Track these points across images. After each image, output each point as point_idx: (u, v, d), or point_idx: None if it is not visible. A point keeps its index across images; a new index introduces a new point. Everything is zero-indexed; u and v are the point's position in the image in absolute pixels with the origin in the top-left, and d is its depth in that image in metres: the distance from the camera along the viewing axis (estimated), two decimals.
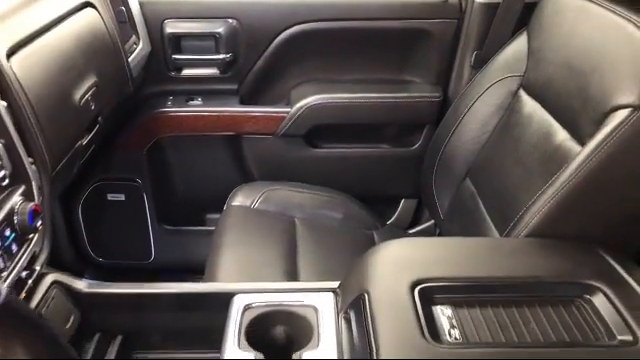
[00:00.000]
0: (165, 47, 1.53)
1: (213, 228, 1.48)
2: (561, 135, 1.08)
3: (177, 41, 1.55)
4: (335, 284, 0.95)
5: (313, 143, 1.64)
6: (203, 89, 1.60)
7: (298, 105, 1.56)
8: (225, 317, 0.90)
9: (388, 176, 1.68)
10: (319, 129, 1.61)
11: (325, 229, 1.44)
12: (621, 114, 0.91)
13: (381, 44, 1.58)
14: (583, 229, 0.95)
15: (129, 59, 1.39)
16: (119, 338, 1.03)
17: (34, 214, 0.80)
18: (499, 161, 1.26)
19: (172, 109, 1.57)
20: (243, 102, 1.61)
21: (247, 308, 0.91)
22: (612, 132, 0.91)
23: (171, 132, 1.59)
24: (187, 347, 1.00)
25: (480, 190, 1.30)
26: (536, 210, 0.96)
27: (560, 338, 0.75)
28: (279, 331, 0.91)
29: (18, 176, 0.81)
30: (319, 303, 0.92)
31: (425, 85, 1.60)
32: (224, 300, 0.93)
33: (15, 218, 0.78)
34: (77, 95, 1.10)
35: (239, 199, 1.47)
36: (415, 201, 1.72)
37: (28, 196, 0.82)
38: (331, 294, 0.94)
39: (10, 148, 0.81)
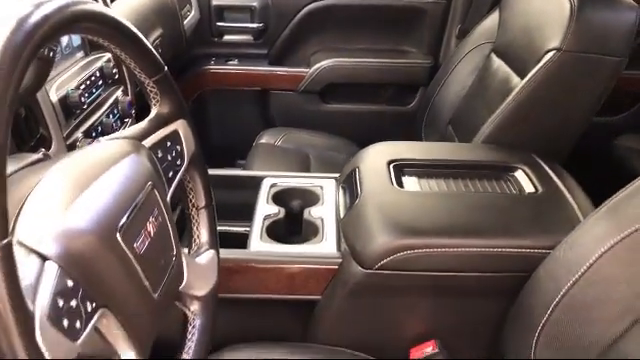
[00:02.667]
0: (211, 16, 1.92)
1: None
2: (515, 80, 1.42)
3: (221, 12, 1.94)
4: (336, 175, 1.30)
5: (326, 99, 2.01)
6: (239, 52, 1.99)
7: (315, 66, 1.93)
8: (254, 196, 1.25)
9: (386, 130, 2.01)
10: (332, 88, 1.97)
11: (332, 164, 1.79)
12: (549, 55, 1.24)
13: (384, 19, 1.95)
14: (522, 138, 1.27)
15: (184, 22, 1.77)
16: None
17: (130, 104, 1.17)
18: (472, 108, 1.60)
19: (214, 67, 1.95)
20: (271, 64, 1.99)
21: (272, 185, 1.27)
22: (542, 67, 1.24)
23: (212, 86, 1.97)
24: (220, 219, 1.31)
25: (457, 132, 1.63)
26: (488, 124, 1.30)
27: (487, 191, 1.10)
28: (295, 203, 1.26)
29: (121, 79, 1.19)
30: (324, 184, 1.26)
31: (419, 53, 1.96)
32: (256, 182, 1.28)
33: (119, 105, 1.15)
34: (150, 39, 1.47)
35: (265, 138, 1.83)
36: None
37: (125, 92, 1.19)
38: (333, 180, 1.29)
39: (117, 62, 1.18)
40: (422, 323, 0.99)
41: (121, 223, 0.55)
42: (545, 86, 1.25)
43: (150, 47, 0.67)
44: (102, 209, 0.54)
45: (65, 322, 0.45)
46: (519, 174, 1.15)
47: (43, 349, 0.42)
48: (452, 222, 0.98)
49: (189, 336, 0.70)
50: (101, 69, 1.10)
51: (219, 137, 2.08)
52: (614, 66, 1.22)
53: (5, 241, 0.40)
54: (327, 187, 1.25)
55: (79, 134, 0.98)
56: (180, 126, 0.73)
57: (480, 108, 1.53)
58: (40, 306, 0.44)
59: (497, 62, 1.57)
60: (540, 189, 1.08)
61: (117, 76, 1.16)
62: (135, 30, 0.64)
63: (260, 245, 1.06)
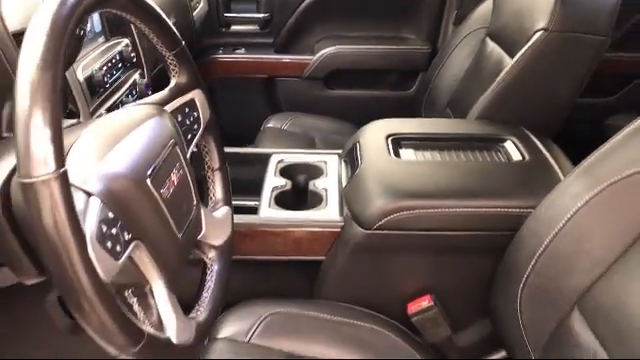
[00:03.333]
0: (219, 7, 2.02)
1: None
2: (506, 61, 1.50)
3: (228, 3, 2.04)
4: (339, 151, 1.39)
5: (330, 85, 2.10)
6: (246, 42, 2.09)
7: (319, 54, 2.02)
8: (263, 172, 1.34)
9: (388, 114, 2.08)
10: (335, 74, 2.06)
11: (336, 146, 1.87)
12: (537, 35, 1.32)
13: (384, 7, 2.04)
14: (512, 115, 1.35)
15: (193, 14, 1.86)
16: None
17: (147, 85, 1.27)
18: (468, 90, 1.68)
19: (222, 56, 2.05)
20: (277, 52, 2.09)
21: (280, 161, 1.36)
22: (530, 46, 1.32)
23: (221, 75, 2.07)
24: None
25: (455, 114, 1.71)
26: (480, 102, 1.38)
27: (478, 160, 1.18)
28: (301, 177, 1.35)
29: (138, 63, 1.28)
30: (328, 159, 1.35)
31: (418, 40, 2.05)
32: (264, 158, 1.37)
33: (137, 86, 1.25)
34: None
35: (272, 123, 1.92)
36: None
37: (142, 75, 1.28)
38: (336, 156, 1.38)
39: (134, 47, 1.28)
40: (418, 279, 1.08)
41: (149, 172, 0.64)
42: (533, 65, 1.32)
43: (170, 24, 0.76)
44: (133, 159, 0.64)
45: (109, 244, 0.55)
46: (508, 145, 1.23)
47: (94, 261, 0.52)
48: (444, 185, 1.07)
49: (208, 278, 0.79)
50: (121, 53, 1.20)
51: (228, 123, 2.15)
52: (598, 45, 1.30)
53: (62, 169, 0.49)
54: (330, 162, 1.34)
55: (103, 111, 1.08)
56: (197, 95, 0.82)
57: (475, 89, 1.61)
58: (89, 228, 0.53)
59: (491, 45, 1.65)
60: (527, 157, 1.17)
61: (135, 60, 1.26)
62: (157, 9, 0.74)
63: (269, 212, 1.15)
